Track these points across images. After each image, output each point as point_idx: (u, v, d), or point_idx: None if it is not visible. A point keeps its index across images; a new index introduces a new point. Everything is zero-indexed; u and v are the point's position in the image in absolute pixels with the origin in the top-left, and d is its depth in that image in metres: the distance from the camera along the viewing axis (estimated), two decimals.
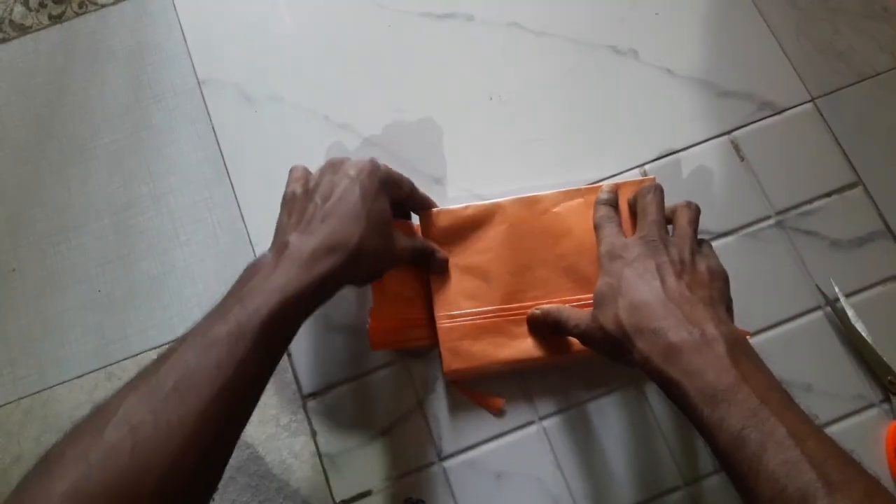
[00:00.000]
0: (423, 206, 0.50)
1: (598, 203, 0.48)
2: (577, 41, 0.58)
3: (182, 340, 0.36)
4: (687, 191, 0.54)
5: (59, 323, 0.53)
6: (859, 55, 0.57)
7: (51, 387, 0.52)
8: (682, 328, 0.37)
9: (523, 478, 0.48)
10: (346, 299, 0.52)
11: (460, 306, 0.48)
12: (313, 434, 0.50)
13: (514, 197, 0.51)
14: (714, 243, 0.52)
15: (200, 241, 0.55)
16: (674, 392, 0.36)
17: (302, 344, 0.52)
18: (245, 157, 0.57)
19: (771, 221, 0.53)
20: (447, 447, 0.49)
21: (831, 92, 0.56)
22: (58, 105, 0.59)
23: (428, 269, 0.49)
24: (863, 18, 0.58)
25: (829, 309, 0.51)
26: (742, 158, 0.55)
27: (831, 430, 0.48)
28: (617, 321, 0.39)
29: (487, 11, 0.59)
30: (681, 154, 0.55)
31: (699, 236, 0.45)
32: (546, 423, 0.49)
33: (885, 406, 0.49)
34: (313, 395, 0.51)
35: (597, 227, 0.47)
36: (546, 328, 0.47)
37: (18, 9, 0.61)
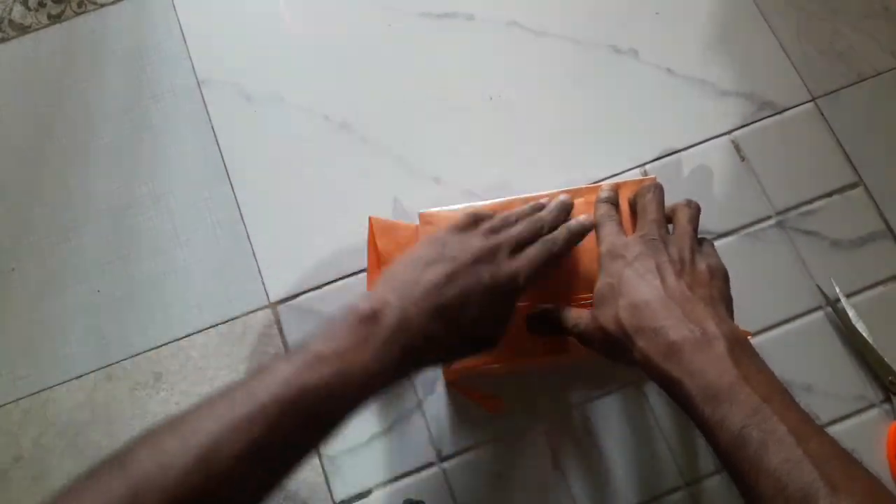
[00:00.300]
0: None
1: (598, 201, 0.48)
2: (577, 41, 0.58)
3: (250, 413, 0.33)
4: (687, 191, 0.54)
5: (59, 323, 0.53)
6: (860, 55, 0.57)
7: (50, 387, 0.52)
8: (683, 327, 0.36)
9: (523, 478, 0.48)
10: (346, 298, 0.52)
11: None
12: None
13: (513, 197, 0.51)
14: (715, 243, 0.52)
15: (200, 241, 0.55)
16: (675, 391, 0.36)
17: None
18: (245, 157, 0.57)
19: (771, 221, 0.53)
20: (447, 448, 0.49)
21: (832, 92, 0.56)
22: (57, 105, 0.59)
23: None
24: (863, 18, 0.58)
25: (829, 309, 0.51)
26: (742, 158, 0.55)
27: (832, 431, 0.48)
28: (617, 321, 0.39)
29: (487, 11, 0.59)
30: (681, 154, 0.55)
31: (699, 235, 0.45)
32: (546, 424, 0.49)
33: (886, 406, 0.49)
34: None
35: (597, 226, 0.47)
36: (545, 328, 0.47)
37: (18, 8, 0.61)
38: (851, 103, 0.56)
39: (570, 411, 0.50)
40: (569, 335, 0.44)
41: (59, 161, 0.57)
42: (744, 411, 0.33)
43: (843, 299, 0.50)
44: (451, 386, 0.50)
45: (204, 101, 0.58)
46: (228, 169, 0.56)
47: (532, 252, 0.42)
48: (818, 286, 0.51)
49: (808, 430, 0.32)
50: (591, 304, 0.47)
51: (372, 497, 0.48)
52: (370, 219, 0.50)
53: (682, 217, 0.44)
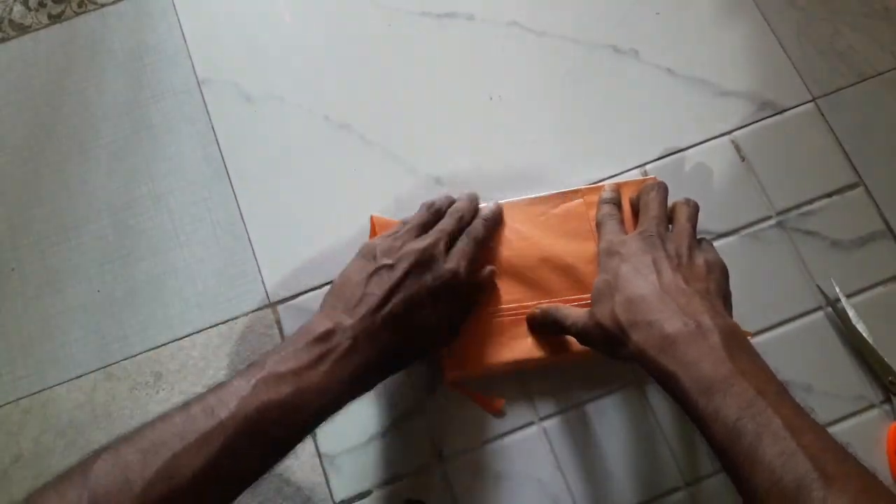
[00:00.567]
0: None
1: (600, 202, 0.49)
2: (577, 41, 0.58)
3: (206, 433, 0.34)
4: (688, 191, 0.53)
5: (59, 323, 0.53)
6: (860, 55, 0.57)
7: (50, 387, 0.52)
8: (678, 319, 0.36)
9: (523, 478, 0.48)
10: None
11: None
12: (313, 434, 0.50)
13: (513, 198, 0.51)
14: (715, 244, 0.52)
15: (200, 240, 0.55)
16: (670, 384, 0.36)
17: None
18: (245, 157, 0.57)
19: (772, 222, 0.53)
20: (447, 448, 0.49)
21: (832, 92, 0.56)
22: (57, 105, 0.58)
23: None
24: (863, 18, 0.58)
25: (829, 309, 0.51)
26: (743, 158, 0.55)
27: (832, 431, 0.48)
28: (613, 316, 0.39)
29: (488, 11, 0.59)
30: (681, 154, 0.55)
31: (699, 236, 0.45)
32: (546, 423, 0.49)
33: (886, 407, 0.49)
34: None
35: (598, 225, 0.47)
36: (545, 328, 0.47)
37: (18, 8, 0.61)
38: (852, 103, 0.56)
39: (570, 411, 0.50)
40: (567, 334, 0.44)
41: (58, 161, 0.57)
42: (738, 403, 0.33)
43: (843, 299, 0.50)
44: (451, 386, 0.50)
45: (204, 101, 0.58)
46: (228, 169, 0.56)
47: (462, 246, 0.45)
48: (818, 286, 0.51)
49: (803, 422, 0.32)
50: (587, 306, 0.47)
51: (372, 497, 0.48)
52: (372, 217, 0.50)
53: (681, 215, 0.44)
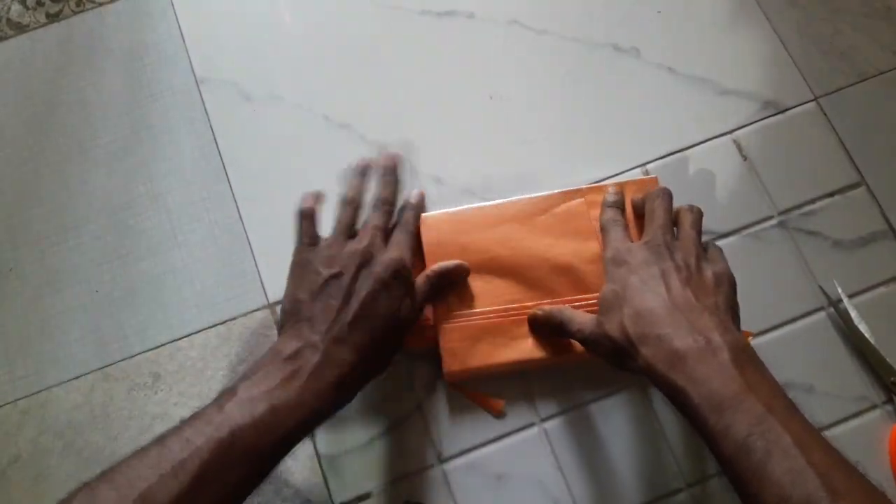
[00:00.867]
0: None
1: (604, 205, 0.48)
2: (578, 40, 0.58)
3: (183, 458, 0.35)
4: (689, 191, 0.54)
5: (57, 323, 0.53)
6: (862, 54, 0.56)
7: (49, 387, 0.52)
8: (688, 336, 0.36)
9: (524, 480, 0.48)
10: None
11: (460, 307, 0.48)
12: (312, 435, 0.50)
13: (513, 198, 0.50)
14: (716, 244, 0.52)
15: (198, 240, 0.55)
16: (679, 399, 0.36)
17: None
18: (243, 157, 0.56)
19: (773, 221, 0.53)
20: (447, 449, 0.49)
21: (834, 91, 0.56)
22: (55, 104, 0.58)
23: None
24: (864, 17, 0.57)
25: (831, 310, 0.51)
26: (744, 158, 0.55)
27: (834, 432, 0.48)
28: (622, 329, 0.39)
29: (488, 9, 0.59)
30: (683, 153, 0.55)
31: (704, 238, 0.44)
32: (547, 424, 0.49)
33: (888, 407, 0.49)
34: None
35: (603, 230, 0.47)
36: (548, 329, 0.47)
37: (16, 7, 0.61)
38: (853, 103, 0.55)
39: (571, 412, 0.49)
40: (572, 338, 0.44)
41: (57, 161, 0.57)
42: (748, 420, 0.33)
43: (845, 300, 0.50)
44: (452, 387, 0.50)
45: (203, 101, 0.58)
46: (227, 168, 0.56)
47: (399, 238, 0.45)
48: (820, 286, 0.51)
49: (812, 440, 0.32)
50: (588, 306, 0.47)
51: (372, 499, 0.48)
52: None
53: (686, 222, 0.44)
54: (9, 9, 0.61)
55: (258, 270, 0.54)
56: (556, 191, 0.50)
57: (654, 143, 0.55)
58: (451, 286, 0.48)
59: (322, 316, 0.41)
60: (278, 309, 0.52)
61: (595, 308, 0.46)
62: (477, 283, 0.49)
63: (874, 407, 0.49)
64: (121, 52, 0.59)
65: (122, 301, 0.53)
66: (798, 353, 0.50)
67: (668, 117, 0.56)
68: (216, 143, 0.57)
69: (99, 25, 0.60)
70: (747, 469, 0.32)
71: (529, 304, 0.48)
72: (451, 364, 0.47)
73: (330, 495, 0.48)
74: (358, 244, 0.44)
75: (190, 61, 0.59)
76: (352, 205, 0.47)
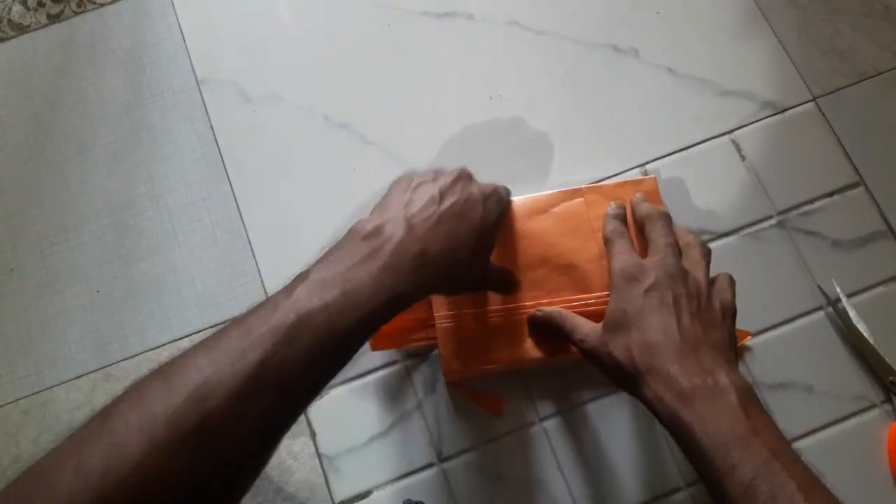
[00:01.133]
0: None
1: (608, 217, 0.47)
2: (577, 40, 0.58)
3: (255, 340, 0.31)
4: (689, 191, 0.54)
5: (58, 323, 0.53)
6: (860, 54, 0.57)
7: (49, 387, 0.52)
8: (696, 376, 0.37)
9: (524, 479, 0.48)
10: None
11: (459, 306, 0.48)
12: (312, 435, 0.50)
13: (513, 198, 0.50)
14: (715, 243, 0.52)
15: (199, 240, 0.55)
16: (683, 435, 0.36)
17: None
18: (244, 157, 0.56)
19: (772, 221, 0.53)
20: (447, 448, 0.49)
21: (833, 91, 0.56)
22: (56, 105, 0.58)
23: (502, 292, 0.48)
24: (864, 18, 0.57)
25: (830, 309, 0.51)
26: (743, 158, 0.55)
27: (832, 432, 0.48)
28: (629, 354, 0.39)
29: (487, 10, 0.59)
30: (682, 154, 0.55)
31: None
32: (547, 424, 0.49)
33: (887, 407, 0.49)
34: None
35: (608, 242, 0.46)
36: (546, 330, 0.47)
37: (17, 8, 0.61)
38: (852, 103, 0.55)
39: (570, 411, 0.49)
40: (574, 345, 0.44)
41: (57, 161, 0.57)
42: (754, 463, 0.33)
43: (843, 299, 0.50)
44: (452, 387, 0.50)
45: (203, 101, 0.58)
46: (227, 168, 0.56)
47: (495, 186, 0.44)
48: (819, 286, 0.51)
49: (815, 486, 0.33)
50: (587, 306, 0.47)
51: (372, 498, 0.48)
52: None
53: (694, 251, 0.43)
54: (10, 9, 0.61)
55: (258, 270, 0.54)
56: (554, 191, 0.51)
57: (654, 143, 0.55)
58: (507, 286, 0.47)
59: (413, 202, 0.39)
60: None
61: (594, 309, 0.46)
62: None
63: (873, 406, 0.49)
64: (121, 52, 0.59)
65: (122, 301, 0.53)
66: (797, 353, 0.50)
67: (667, 117, 0.56)
68: (216, 142, 0.57)
69: (100, 26, 0.60)
70: None
71: (530, 303, 0.48)
72: (450, 364, 0.47)
73: (330, 494, 0.48)
74: (454, 172, 0.42)
75: (190, 61, 0.59)
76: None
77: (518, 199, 0.50)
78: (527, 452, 0.49)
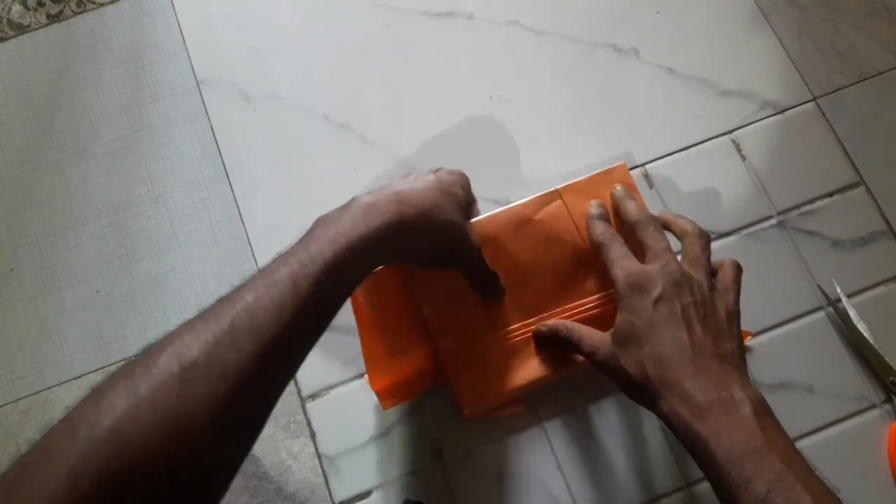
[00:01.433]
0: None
1: (591, 219, 0.46)
2: (577, 40, 0.58)
3: (243, 284, 0.34)
4: (688, 191, 0.54)
5: (58, 323, 0.53)
6: (861, 54, 0.57)
7: (49, 388, 0.52)
8: (711, 389, 0.37)
9: (524, 479, 0.48)
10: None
11: (460, 333, 0.46)
12: (312, 435, 0.50)
13: (488, 213, 0.48)
14: (715, 244, 0.52)
15: (199, 240, 0.55)
16: (698, 447, 0.36)
17: None
18: (244, 157, 0.56)
19: (772, 221, 0.53)
20: (447, 448, 0.49)
21: (833, 91, 0.56)
22: (56, 105, 0.58)
23: (486, 294, 0.47)
24: (864, 17, 0.57)
25: (830, 309, 0.51)
26: (743, 158, 0.55)
27: (833, 432, 0.48)
28: (641, 369, 0.39)
29: (487, 10, 0.59)
30: (682, 154, 0.55)
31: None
32: (547, 424, 0.49)
33: (887, 407, 0.49)
34: (313, 396, 0.51)
35: (600, 247, 0.44)
36: (553, 343, 0.46)
37: (16, 8, 0.61)
38: (853, 103, 0.55)
39: (571, 411, 0.49)
40: (583, 356, 0.43)
41: (57, 161, 0.57)
42: (769, 476, 0.33)
43: (844, 299, 0.50)
44: (470, 420, 0.48)
45: (203, 101, 0.58)
46: (227, 168, 0.56)
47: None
48: (819, 286, 0.51)
49: (830, 500, 0.33)
50: (587, 311, 0.46)
51: (372, 498, 0.48)
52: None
53: (696, 248, 0.43)
54: (9, 9, 0.61)
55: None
56: (530, 197, 0.48)
57: (654, 143, 0.55)
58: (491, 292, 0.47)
59: (408, 181, 0.43)
60: None
61: (595, 312, 0.46)
62: (479, 312, 0.47)
63: (873, 406, 0.49)
64: (121, 52, 0.59)
65: (122, 301, 0.53)
66: (797, 353, 0.50)
67: (667, 117, 0.56)
68: (216, 142, 0.57)
69: (99, 26, 0.60)
70: None
71: (532, 320, 0.47)
72: (466, 399, 0.46)
73: (330, 494, 0.48)
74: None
75: (190, 61, 0.59)
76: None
77: (495, 212, 0.48)
78: (527, 453, 0.49)
